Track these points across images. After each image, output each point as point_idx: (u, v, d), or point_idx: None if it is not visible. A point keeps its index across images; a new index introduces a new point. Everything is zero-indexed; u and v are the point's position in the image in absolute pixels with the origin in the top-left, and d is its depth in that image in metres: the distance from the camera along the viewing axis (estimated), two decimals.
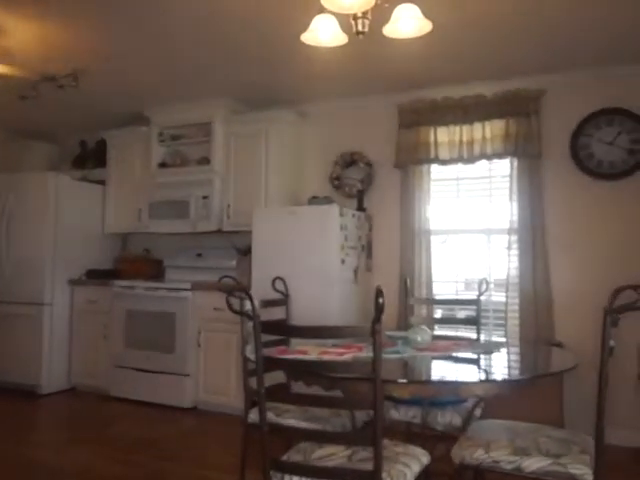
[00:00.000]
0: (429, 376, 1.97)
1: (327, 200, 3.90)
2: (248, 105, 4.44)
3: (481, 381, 1.84)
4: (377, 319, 1.59)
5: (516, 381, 1.88)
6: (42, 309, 4.38)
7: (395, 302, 3.83)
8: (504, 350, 2.40)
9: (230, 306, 1.84)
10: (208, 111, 4.38)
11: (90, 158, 5.10)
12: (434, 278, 3.82)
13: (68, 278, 4.55)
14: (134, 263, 4.79)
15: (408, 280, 2.99)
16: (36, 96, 4.02)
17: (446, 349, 2.26)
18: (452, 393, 2.04)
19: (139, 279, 4.51)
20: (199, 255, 4.66)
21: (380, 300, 1.60)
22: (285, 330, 1.81)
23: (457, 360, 2.15)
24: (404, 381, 1.78)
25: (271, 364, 1.80)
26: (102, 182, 4.89)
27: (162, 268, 4.85)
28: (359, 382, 1.72)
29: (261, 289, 3.68)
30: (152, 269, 4.82)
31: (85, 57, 3.64)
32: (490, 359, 2.22)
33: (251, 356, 1.87)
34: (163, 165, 4.60)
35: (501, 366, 2.18)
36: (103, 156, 4.93)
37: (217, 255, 4.57)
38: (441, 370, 2.05)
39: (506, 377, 1.91)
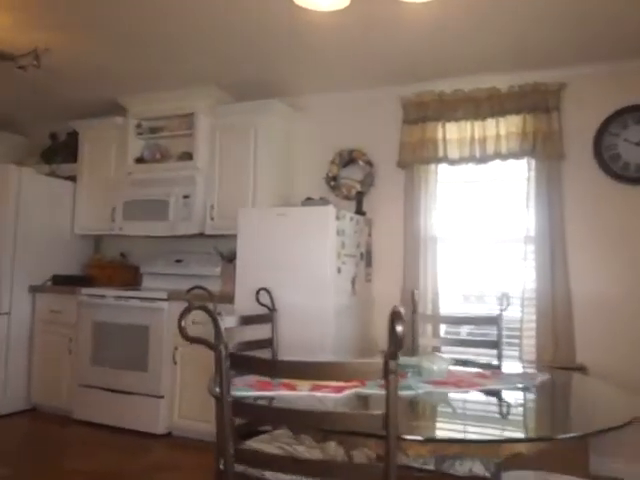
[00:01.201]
0: (453, 425, 1.52)
1: (322, 202, 3.44)
2: (235, 96, 3.97)
3: (528, 439, 1.40)
4: (393, 354, 1.15)
5: (571, 438, 1.43)
6: None
7: None
8: (540, 381, 1.97)
9: (182, 330, 1.36)
10: (191, 101, 3.91)
11: (60, 151, 4.58)
12: (440, 291, 3.38)
13: (29, 284, 4.01)
14: (106, 269, 4.27)
15: (416, 293, 2.54)
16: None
17: (470, 384, 1.82)
18: (487, 454, 1.59)
19: (112, 287, 4.00)
20: (179, 261, 4.17)
21: (398, 328, 1.16)
22: (263, 367, 1.34)
23: (486, 399, 1.72)
24: (421, 438, 1.31)
25: (244, 411, 1.35)
26: (73, 178, 4.38)
27: (139, 275, 4.34)
28: (364, 437, 1.29)
29: (246, 301, 3.20)
30: (127, 276, 4.31)
31: (48, 34, 3.15)
32: (526, 397, 1.79)
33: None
34: (141, 160, 4.11)
35: (543, 409, 1.74)
36: (75, 150, 4.42)
37: (199, 261, 4.07)
38: (468, 415, 1.61)
39: (561, 435, 1.44)
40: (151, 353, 3.55)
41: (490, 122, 3.27)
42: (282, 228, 3.19)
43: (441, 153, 3.36)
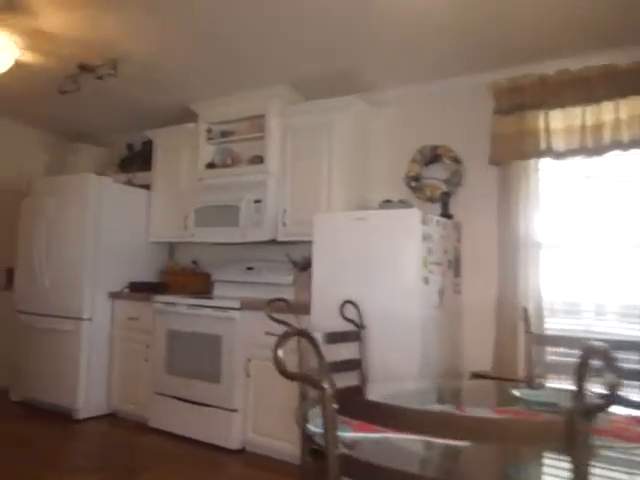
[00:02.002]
0: None
1: (403, 204, 3.10)
2: (306, 95, 3.71)
3: None
4: (586, 414, 0.78)
5: None
6: (80, 324, 3.84)
7: (490, 337, 2.98)
8: None
9: (279, 363, 1.09)
10: (261, 102, 3.70)
11: (136, 160, 4.57)
12: (545, 305, 2.90)
13: (109, 290, 4.00)
14: (179, 276, 4.19)
15: (528, 309, 2.13)
16: (76, 89, 3.54)
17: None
18: None
19: (185, 295, 3.89)
20: (250, 269, 3.98)
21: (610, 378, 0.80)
22: (390, 417, 0.97)
23: None
24: None
25: (359, 471, 1.04)
26: (148, 186, 4.34)
27: (210, 282, 4.21)
28: None
29: (323, 314, 2.93)
30: (199, 283, 4.19)
31: (125, 44, 3.08)
32: None
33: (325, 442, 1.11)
34: (211, 165, 3.97)
35: None
36: (149, 158, 4.38)
37: (271, 269, 3.86)
38: None
39: None
40: (224, 364, 3.38)
41: (606, 105, 2.74)
42: (361, 234, 2.88)
43: (543, 145, 2.89)
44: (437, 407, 1.53)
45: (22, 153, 4.80)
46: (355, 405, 1.04)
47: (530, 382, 2.08)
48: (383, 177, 3.57)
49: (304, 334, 1.16)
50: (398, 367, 2.65)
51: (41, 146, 4.97)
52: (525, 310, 2.17)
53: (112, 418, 3.96)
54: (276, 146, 3.67)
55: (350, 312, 2.59)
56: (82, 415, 3.84)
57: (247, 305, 3.34)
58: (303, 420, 1.47)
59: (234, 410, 3.33)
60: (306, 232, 3.26)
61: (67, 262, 3.92)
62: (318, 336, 2.12)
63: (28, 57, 3.29)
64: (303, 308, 3.07)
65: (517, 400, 1.66)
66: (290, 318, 2.66)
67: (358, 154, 3.56)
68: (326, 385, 1.01)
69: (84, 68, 3.38)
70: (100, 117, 4.52)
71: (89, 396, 3.87)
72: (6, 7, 2.74)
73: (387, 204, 3.14)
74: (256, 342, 3.29)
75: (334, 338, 2.21)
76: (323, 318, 2.92)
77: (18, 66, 3.25)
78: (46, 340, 3.97)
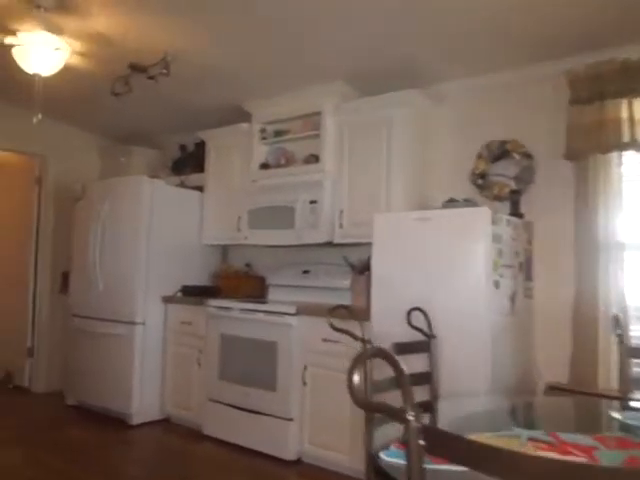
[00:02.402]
0: None
1: (469, 203, 2.93)
2: (363, 91, 3.59)
3: None
4: None
5: None
6: (134, 329, 3.86)
7: (566, 346, 2.77)
8: None
9: (353, 393, 0.96)
10: (316, 99, 3.62)
11: (189, 162, 4.58)
12: (631, 312, 2.67)
13: (162, 294, 4.01)
14: (232, 280, 4.15)
15: (621, 316, 1.93)
16: (128, 90, 3.56)
17: None
18: None
19: (239, 298, 3.85)
20: (306, 272, 3.90)
21: None
22: (504, 466, 0.78)
23: None
24: None
25: None
26: (201, 188, 4.34)
27: (264, 286, 4.16)
28: None
29: (383, 320, 2.81)
30: (253, 287, 4.15)
31: (176, 43, 3.08)
32: None
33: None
34: (265, 166, 3.92)
35: None
36: (202, 160, 4.38)
37: (327, 272, 3.76)
38: None
39: None
40: (280, 371, 3.29)
41: None
42: (425, 235, 2.74)
43: (626, 137, 2.66)
44: (525, 433, 1.37)
45: (76, 157, 4.91)
46: (449, 445, 0.86)
47: (624, 400, 1.88)
48: (445, 175, 3.41)
49: (386, 355, 0.97)
50: (467, 380, 2.49)
51: (94, 150, 5.08)
52: (617, 318, 1.97)
53: (166, 424, 3.95)
54: (332, 144, 3.58)
55: (417, 320, 2.45)
56: (136, 420, 3.85)
57: (303, 310, 3.25)
58: (370, 444, 1.35)
59: (290, 419, 3.24)
60: (364, 234, 3.16)
61: (120, 266, 3.96)
62: (389, 345, 2.00)
63: (79, 59, 3.34)
64: (362, 314, 2.95)
65: (616, 423, 1.48)
66: (352, 325, 2.56)
67: (418, 151, 3.42)
68: (411, 417, 0.87)
69: (135, 68, 3.40)
70: (152, 119, 4.57)
71: (143, 401, 3.88)
72: (56, 8, 2.77)
73: (451, 203, 2.99)
74: (313, 349, 3.19)
75: (403, 349, 2.07)
76: (384, 325, 2.79)
77: (69, 69, 3.31)
78: (100, 344, 4.02)
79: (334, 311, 2.18)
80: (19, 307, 4.78)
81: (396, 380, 0.94)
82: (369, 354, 1.00)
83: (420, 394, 2.16)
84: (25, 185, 4.85)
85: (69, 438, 3.58)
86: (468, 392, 2.45)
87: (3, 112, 4.37)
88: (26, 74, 3.03)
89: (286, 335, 3.29)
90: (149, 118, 4.57)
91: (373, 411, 0.92)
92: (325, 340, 3.12)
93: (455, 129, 3.41)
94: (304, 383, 3.22)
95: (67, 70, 3.27)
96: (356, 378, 0.94)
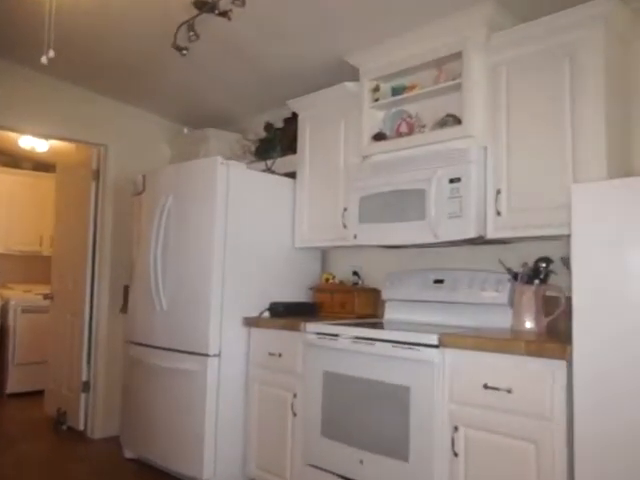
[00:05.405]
0: None
1: None
2: (521, 13, 2.64)
3: None
4: None
5: None
6: (206, 362, 3.10)
7: None
8: None
9: None
10: (452, 35, 2.73)
11: (277, 143, 3.84)
12: None
13: (243, 315, 3.24)
14: (337, 294, 3.32)
15: None
16: (195, 39, 2.88)
17: None
18: None
19: (347, 320, 3.00)
20: (438, 282, 2.97)
21: None
22: None
23: None
24: None
25: None
26: (292, 175, 3.57)
27: (380, 302, 3.28)
28: None
29: (602, 356, 1.81)
30: (364, 304, 3.29)
31: None
32: None
33: None
34: (380, 137, 3.06)
35: None
36: (293, 138, 3.62)
37: (471, 282, 2.82)
38: None
39: None
40: (414, 431, 2.37)
41: None
42: None
43: None
44: None
45: (142, 147, 4.38)
46: None
47: None
48: None
49: None
50: None
51: (163, 137, 4.52)
52: None
53: None
54: (481, 97, 2.66)
55: None
56: None
57: (451, 340, 2.31)
58: None
59: None
60: (538, 222, 2.35)
61: (189, 277, 3.24)
62: None
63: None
64: (537, 343, 2.01)
65: None
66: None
67: (617, 95, 2.41)
68: None
69: (202, 5, 2.71)
70: (230, 92, 3.92)
71: (218, 462, 3.09)
72: None
73: None
74: (468, 400, 2.24)
75: None
76: (601, 362, 1.81)
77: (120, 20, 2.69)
78: (162, 382, 3.31)
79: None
80: (74, 329, 4.27)
81: None
82: None
83: None
84: (81, 180, 4.37)
85: None
86: None
87: (52, 91, 3.91)
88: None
89: (424, 377, 2.36)
90: (226, 92, 3.92)
91: None
92: (487, 387, 2.17)
93: None
94: (454, 453, 2.26)
95: (118, 23, 2.66)
96: None
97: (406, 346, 2.42)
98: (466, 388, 2.24)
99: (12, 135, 4.74)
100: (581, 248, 1.94)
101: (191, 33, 2.83)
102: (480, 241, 2.70)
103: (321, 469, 2.74)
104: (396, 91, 3.07)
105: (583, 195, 1.94)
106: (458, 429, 2.26)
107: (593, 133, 2.28)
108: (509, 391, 2.09)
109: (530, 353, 2.03)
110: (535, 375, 2.03)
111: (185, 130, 3.73)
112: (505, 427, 2.10)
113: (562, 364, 1.96)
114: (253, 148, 4.02)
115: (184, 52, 2.98)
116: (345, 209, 3.16)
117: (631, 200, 1.84)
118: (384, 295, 3.21)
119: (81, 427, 4.13)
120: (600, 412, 1.83)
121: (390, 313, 3.19)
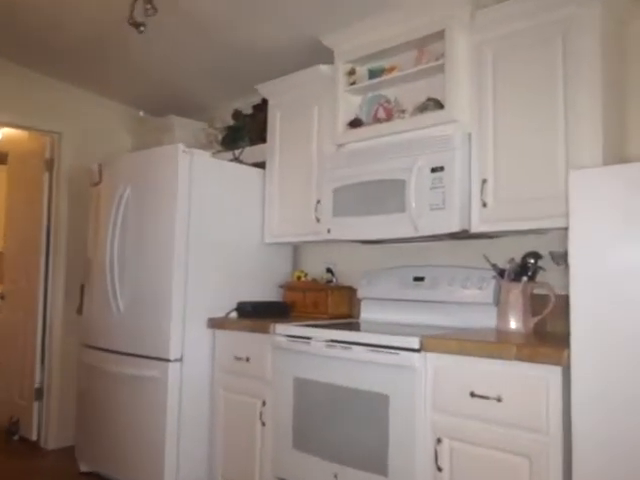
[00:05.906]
0: None
1: None
2: None
3: None
4: None
5: None
6: (167, 368, 2.85)
7: None
8: None
9: None
10: (435, 12, 2.54)
11: (244, 131, 3.60)
12: None
13: (208, 316, 3.00)
14: (310, 293, 3.12)
15: None
16: (153, 13, 2.62)
17: None
18: None
19: (320, 321, 2.80)
20: (419, 279, 2.78)
21: None
22: None
23: None
24: None
25: None
26: (262, 165, 3.34)
27: (356, 301, 3.08)
28: None
29: (606, 362, 1.64)
30: (338, 303, 3.09)
31: None
32: None
33: None
34: (356, 123, 2.86)
35: None
36: (263, 126, 3.39)
37: (452, 279, 2.65)
38: None
39: None
40: (393, 444, 2.17)
41: None
42: None
43: None
44: None
45: (99, 135, 4.09)
46: None
47: None
48: None
49: None
50: None
51: (123, 124, 4.23)
52: None
53: None
54: (465, 79, 2.48)
55: None
56: None
57: (433, 344, 2.12)
58: None
59: None
60: (527, 214, 2.18)
61: (148, 275, 2.99)
62: None
63: None
64: (529, 347, 1.84)
65: None
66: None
67: (613, 78, 2.25)
68: None
69: None
70: (194, 76, 3.67)
71: (182, 474, 2.86)
72: None
73: None
74: (453, 409, 2.05)
75: None
76: (604, 369, 1.63)
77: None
78: (120, 389, 3.05)
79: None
80: (26, 332, 3.96)
81: None
82: None
83: None
84: (33, 171, 4.06)
85: None
86: None
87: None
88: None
89: (404, 384, 2.17)
90: (190, 75, 3.67)
91: None
92: (474, 395, 1.98)
93: None
94: (438, 468, 2.07)
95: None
96: None
97: (384, 350, 2.22)
98: (451, 396, 2.06)
99: None
100: (580, 240, 1.76)
101: (148, 6, 2.57)
102: (464, 235, 2.53)
103: None
104: (373, 74, 2.87)
105: (582, 182, 1.76)
106: (442, 441, 2.07)
107: (589, 118, 2.12)
108: (499, 400, 1.92)
109: (522, 358, 1.85)
110: (527, 382, 1.86)
111: (141, 113, 3.45)
112: (495, 439, 1.92)
113: (557, 370, 1.78)
114: (220, 137, 3.77)
115: (141, 29, 2.71)
116: (318, 201, 2.94)
117: (636, 187, 1.66)
118: (360, 294, 3.01)
119: (34, 437, 3.85)
120: (602, 425, 1.66)
121: (366, 313, 3.00)
